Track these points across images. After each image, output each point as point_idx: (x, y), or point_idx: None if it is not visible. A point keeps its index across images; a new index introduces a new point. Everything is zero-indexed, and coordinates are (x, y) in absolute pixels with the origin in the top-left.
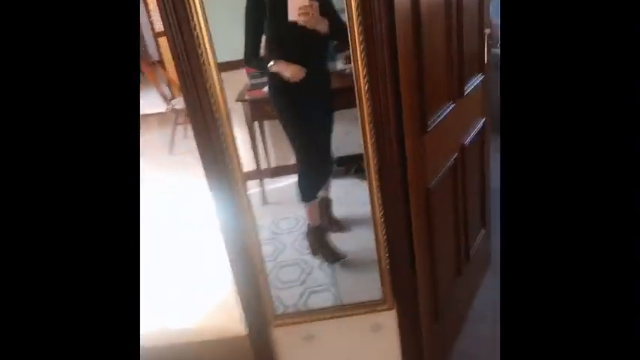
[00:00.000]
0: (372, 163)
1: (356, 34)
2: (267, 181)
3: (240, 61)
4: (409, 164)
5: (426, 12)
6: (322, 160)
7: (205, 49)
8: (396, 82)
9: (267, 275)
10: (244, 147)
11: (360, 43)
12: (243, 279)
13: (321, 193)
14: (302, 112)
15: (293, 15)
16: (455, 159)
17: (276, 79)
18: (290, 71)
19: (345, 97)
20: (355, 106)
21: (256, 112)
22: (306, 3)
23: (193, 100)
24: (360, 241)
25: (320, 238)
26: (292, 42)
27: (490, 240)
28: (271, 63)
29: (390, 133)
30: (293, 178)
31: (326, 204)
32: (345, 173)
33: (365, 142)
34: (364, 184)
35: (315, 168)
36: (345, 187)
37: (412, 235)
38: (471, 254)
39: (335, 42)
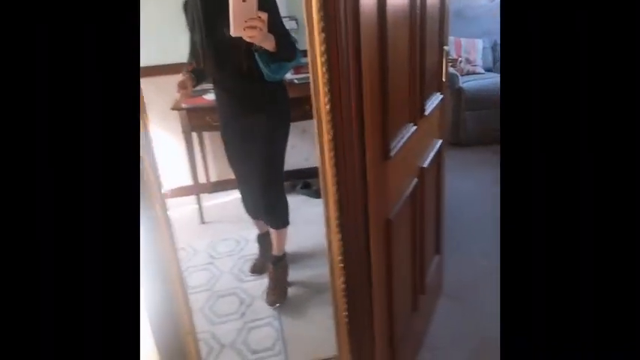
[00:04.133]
0: (330, 197)
1: (317, 52)
2: (205, 197)
3: (176, 64)
4: (371, 194)
5: (392, 24)
6: (253, 188)
7: None
8: (360, 102)
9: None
10: (180, 159)
11: (323, 64)
12: (161, 329)
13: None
14: (231, 132)
15: (237, 29)
16: (414, 185)
17: (215, 94)
18: (179, 83)
19: (293, 110)
20: (304, 118)
21: (195, 121)
22: (254, 15)
23: None
24: (308, 271)
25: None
26: (215, 55)
27: (443, 267)
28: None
29: (353, 161)
30: (235, 194)
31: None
32: (292, 190)
33: (324, 172)
34: (312, 202)
35: (246, 195)
36: (291, 204)
37: (372, 278)
38: (426, 286)
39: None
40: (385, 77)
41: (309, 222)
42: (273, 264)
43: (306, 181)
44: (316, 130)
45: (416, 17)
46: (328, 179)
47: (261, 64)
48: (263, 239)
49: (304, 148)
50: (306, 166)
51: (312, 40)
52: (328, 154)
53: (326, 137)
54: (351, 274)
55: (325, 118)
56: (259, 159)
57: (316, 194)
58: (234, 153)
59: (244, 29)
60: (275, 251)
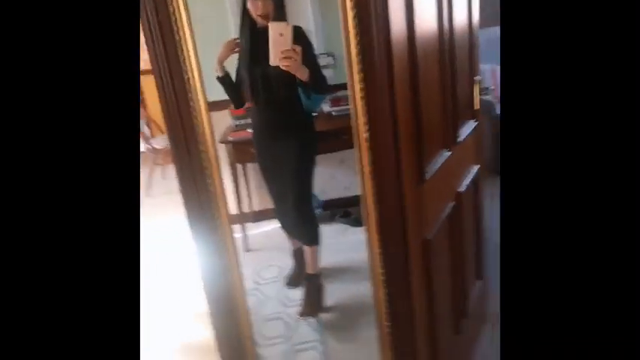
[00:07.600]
0: (372, 217)
1: (356, 84)
2: (249, 225)
3: (224, 101)
4: (408, 215)
5: (422, 58)
6: (286, 205)
7: (195, 89)
8: (395, 131)
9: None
10: (226, 190)
11: (362, 95)
12: (225, 335)
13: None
14: (267, 154)
15: (275, 59)
16: (451, 207)
17: (254, 120)
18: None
19: (331, 141)
20: (342, 148)
21: (240, 154)
22: (289, 46)
23: (180, 143)
24: (348, 293)
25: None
26: (263, 85)
27: (487, 292)
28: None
29: (390, 184)
30: (276, 223)
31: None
32: (331, 218)
33: (364, 195)
34: (352, 230)
35: (280, 212)
36: (331, 233)
37: (413, 297)
38: (468, 310)
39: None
40: (417, 106)
41: (349, 250)
42: (306, 280)
43: (346, 210)
44: (357, 157)
45: (445, 49)
46: (369, 204)
47: (302, 95)
48: (297, 255)
49: (343, 177)
50: (346, 195)
51: (350, 73)
52: (368, 181)
53: (366, 164)
54: (392, 294)
55: (364, 145)
56: (290, 177)
57: (355, 222)
58: (270, 174)
59: (280, 59)
60: (309, 269)
